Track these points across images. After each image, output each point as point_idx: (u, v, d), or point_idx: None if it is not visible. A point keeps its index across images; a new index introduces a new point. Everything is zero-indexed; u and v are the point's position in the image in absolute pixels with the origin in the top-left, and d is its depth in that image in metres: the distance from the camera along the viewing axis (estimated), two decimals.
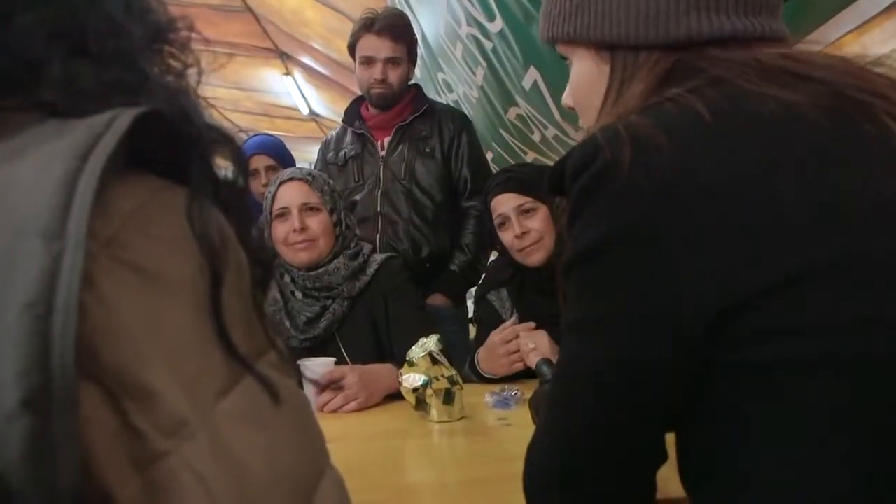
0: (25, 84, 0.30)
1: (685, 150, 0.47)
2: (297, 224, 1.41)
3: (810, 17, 1.53)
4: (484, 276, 1.73)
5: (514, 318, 1.48)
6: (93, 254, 0.26)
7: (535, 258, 1.46)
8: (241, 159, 0.35)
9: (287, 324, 1.42)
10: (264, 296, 0.34)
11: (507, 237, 1.48)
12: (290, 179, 1.47)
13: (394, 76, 1.88)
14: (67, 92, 0.30)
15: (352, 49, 1.93)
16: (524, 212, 1.46)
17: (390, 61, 1.88)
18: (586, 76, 0.63)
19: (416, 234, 1.87)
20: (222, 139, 0.34)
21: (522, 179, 1.48)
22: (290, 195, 1.44)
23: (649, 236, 0.47)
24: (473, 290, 1.93)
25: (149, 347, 0.27)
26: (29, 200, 0.25)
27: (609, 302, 0.49)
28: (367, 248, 1.55)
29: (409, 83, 1.98)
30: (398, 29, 1.90)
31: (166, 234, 0.30)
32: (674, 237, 0.46)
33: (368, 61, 1.88)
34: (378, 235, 1.87)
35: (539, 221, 1.45)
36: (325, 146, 2.06)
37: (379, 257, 1.53)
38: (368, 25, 1.88)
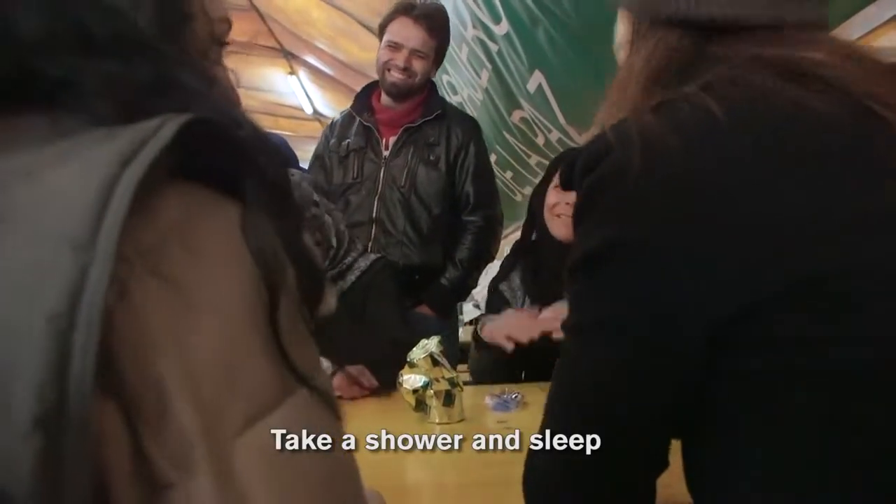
0: (66, 89, 0.29)
1: (696, 156, 0.46)
2: None
3: None
4: (500, 267, 1.71)
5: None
6: (130, 262, 0.25)
7: (565, 232, 1.47)
8: (286, 171, 0.34)
9: None
10: (314, 313, 0.33)
11: (555, 198, 1.51)
12: None
13: (418, 67, 1.81)
14: (113, 98, 0.29)
15: (382, 29, 1.85)
16: None
17: (417, 53, 1.80)
18: (621, 37, 0.63)
19: (408, 250, 1.80)
20: (270, 150, 0.33)
21: None
22: None
23: (654, 244, 0.46)
24: (463, 304, 1.90)
25: (172, 367, 0.26)
26: (64, 207, 0.24)
27: (610, 307, 0.49)
28: (350, 258, 1.48)
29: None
30: (436, 22, 1.82)
31: (210, 249, 0.28)
32: (678, 246, 0.45)
33: (395, 47, 1.80)
34: (370, 243, 1.80)
35: None
36: (330, 129, 1.99)
37: (363, 264, 1.48)
38: (407, 9, 1.80)
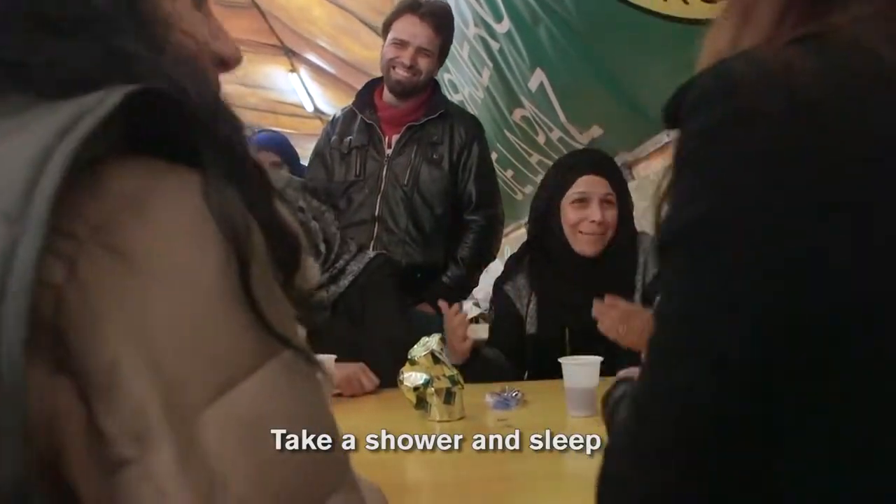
0: (15, 70, 0.29)
1: (852, 113, 0.36)
2: None
3: None
4: (504, 267, 1.71)
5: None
6: (78, 239, 0.25)
7: (591, 249, 1.45)
8: (244, 136, 0.33)
9: None
10: (290, 279, 0.32)
11: (576, 215, 1.46)
12: None
13: (423, 65, 1.81)
14: (57, 76, 0.29)
15: (387, 26, 1.85)
16: (607, 201, 1.46)
17: (423, 50, 1.80)
18: None
19: (410, 248, 1.80)
20: (226, 116, 0.32)
21: (613, 169, 1.49)
22: None
23: (777, 220, 0.36)
24: (463, 303, 1.90)
25: (124, 343, 0.25)
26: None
27: (710, 295, 0.38)
28: (342, 261, 1.45)
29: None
30: (441, 20, 1.83)
31: (167, 219, 0.28)
32: (808, 227, 0.36)
33: (401, 44, 1.80)
34: (372, 242, 1.80)
35: (613, 216, 1.46)
36: (332, 126, 1.98)
37: (356, 267, 1.46)
38: (413, 7, 1.80)
